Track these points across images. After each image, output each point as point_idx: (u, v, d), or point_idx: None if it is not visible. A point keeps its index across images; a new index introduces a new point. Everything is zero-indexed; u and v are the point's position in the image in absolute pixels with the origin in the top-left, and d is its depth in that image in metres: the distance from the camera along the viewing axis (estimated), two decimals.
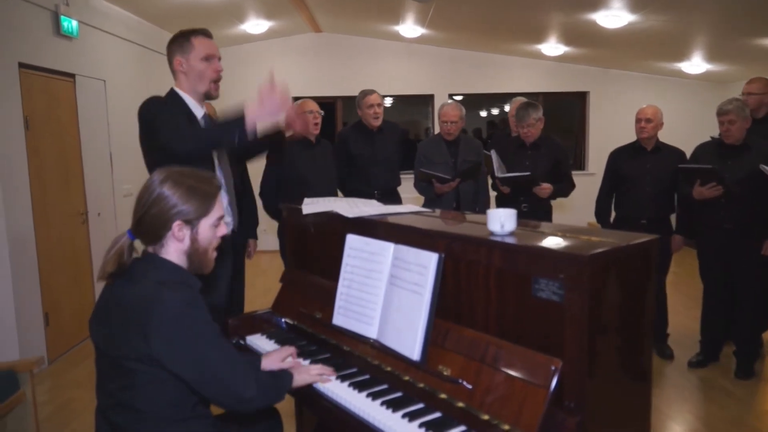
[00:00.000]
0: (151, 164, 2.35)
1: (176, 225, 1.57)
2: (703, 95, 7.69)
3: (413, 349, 1.71)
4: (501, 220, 1.60)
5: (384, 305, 1.87)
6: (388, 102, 9.44)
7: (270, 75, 2.19)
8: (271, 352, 1.91)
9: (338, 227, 2.14)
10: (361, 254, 1.99)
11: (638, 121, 3.91)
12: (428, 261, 1.71)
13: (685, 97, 7.85)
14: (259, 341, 2.23)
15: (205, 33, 2.37)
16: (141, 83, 5.70)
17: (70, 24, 4.41)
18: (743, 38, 5.67)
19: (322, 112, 3.94)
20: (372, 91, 4.19)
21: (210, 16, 5.95)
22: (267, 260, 6.41)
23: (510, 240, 1.57)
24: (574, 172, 4.19)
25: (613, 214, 4.17)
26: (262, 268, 6.52)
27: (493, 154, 3.96)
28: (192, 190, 1.58)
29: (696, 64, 6.97)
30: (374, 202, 2.44)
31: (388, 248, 1.89)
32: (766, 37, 5.40)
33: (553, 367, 1.41)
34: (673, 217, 4.01)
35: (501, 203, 3.93)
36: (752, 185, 3.41)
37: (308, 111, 3.85)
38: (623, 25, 5.28)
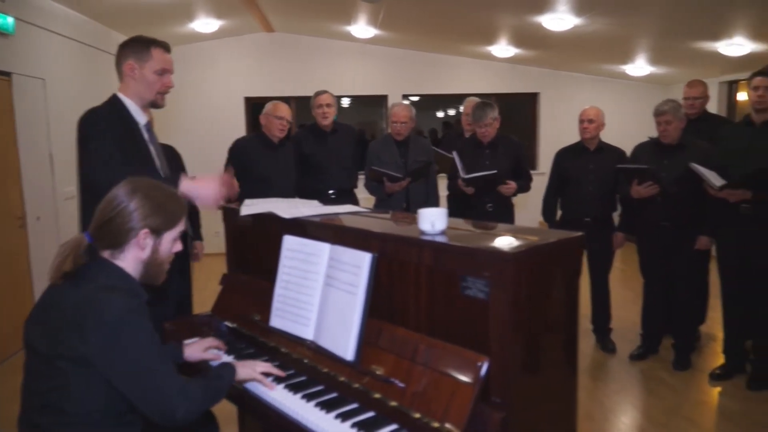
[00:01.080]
0: (83, 175, 2.28)
1: (144, 233, 1.58)
2: (648, 97, 7.92)
3: (347, 350, 1.71)
4: (431, 220, 1.62)
5: (320, 306, 1.87)
6: (345, 102, 9.42)
7: (229, 171, 2.24)
8: (195, 341, 1.90)
9: (277, 228, 2.12)
10: (297, 255, 1.98)
11: (581, 122, 4.01)
12: (362, 261, 1.72)
13: (630, 98, 8.09)
14: None
15: (166, 47, 2.34)
16: (83, 82, 5.52)
17: (5, 21, 4.24)
18: (683, 42, 5.89)
19: (291, 122, 3.92)
20: (323, 92, 4.21)
21: (157, 14, 5.83)
22: (219, 262, 6.31)
23: (439, 239, 1.59)
24: None
25: (560, 212, 4.26)
26: (214, 270, 6.41)
27: (455, 155, 3.98)
28: (161, 206, 1.61)
29: (640, 67, 7.19)
30: (314, 202, 2.43)
31: (324, 249, 1.89)
32: (704, 40, 5.62)
33: (479, 364, 1.43)
34: (616, 215, 4.13)
35: (466, 204, 3.96)
36: (687, 183, 3.53)
37: (278, 116, 3.85)
38: (569, 28, 5.41)
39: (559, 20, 5.21)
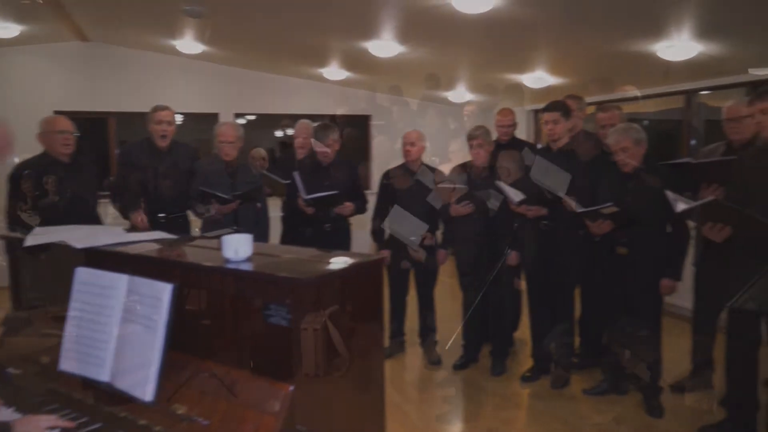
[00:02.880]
0: None
1: None
2: (471, 121, 8.59)
3: (146, 390, 1.58)
4: (235, 247, 1.56)
5: (117, 344, 1.70)
6: (178, 119, 8.91)
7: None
8: None
9: (70, 260, 1.92)
10: (92, 289, 1.79)
11: (404, 144, 4.20)
12: (161, 292, 1.60)
13: (455, 122, 8.69)
14: None
15: None
16: None
17: None
18: (495, 73, 6.48)
19: (77, 133, 3.54)
20: (164, 107, 3.88)
21: None
22: None
23: (242, 267, 1.54)
24: None
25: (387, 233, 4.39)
26: None
27: (296, 176, 3.92)
28: None
29: (460, 93, 7.77)
30: (117, 229, 2.25)
31: (122, 281, 1.73)
32: (511, 72, 6.24)
33: (282, 393, 1.40)
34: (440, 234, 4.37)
35: (304, 224, 3.92)
36: (497, 202, 3.85)
37: (59, 131, 3.41)
38: (394, 55, 5.67)
39: (384, 47, 5.44)
